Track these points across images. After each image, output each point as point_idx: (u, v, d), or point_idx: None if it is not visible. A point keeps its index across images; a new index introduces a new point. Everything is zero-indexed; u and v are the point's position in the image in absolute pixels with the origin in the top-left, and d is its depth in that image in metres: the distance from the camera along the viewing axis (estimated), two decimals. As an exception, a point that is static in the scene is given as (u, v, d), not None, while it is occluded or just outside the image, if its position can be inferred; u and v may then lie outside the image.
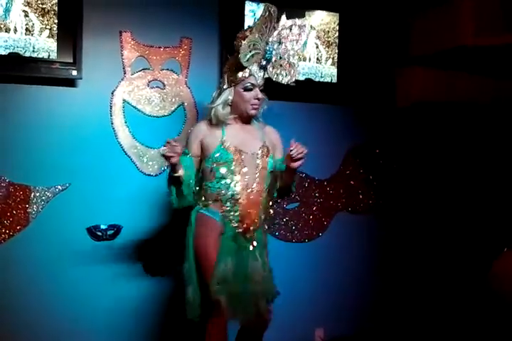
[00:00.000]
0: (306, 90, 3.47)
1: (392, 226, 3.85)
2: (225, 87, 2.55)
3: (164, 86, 3.14)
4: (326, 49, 3.48)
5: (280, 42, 2.57)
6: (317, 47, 3.45)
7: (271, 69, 2.56)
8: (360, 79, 3.66)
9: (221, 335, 2.50)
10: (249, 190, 2.49)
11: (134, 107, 3.07)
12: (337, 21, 3.48)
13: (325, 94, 3.55)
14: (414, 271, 3.83)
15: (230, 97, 2.53)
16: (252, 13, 3.22)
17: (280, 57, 2.57)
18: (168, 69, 3.14)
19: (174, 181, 2.43)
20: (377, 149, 3.81)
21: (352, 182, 3.76)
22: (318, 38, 3.45)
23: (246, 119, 2.61)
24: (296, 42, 2.61)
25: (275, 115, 3.43)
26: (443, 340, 3.38)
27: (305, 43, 3.40)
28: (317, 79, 3.47)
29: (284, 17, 3.26)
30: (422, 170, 3.88)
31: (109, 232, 3.00)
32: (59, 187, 2.91)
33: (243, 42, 2.42)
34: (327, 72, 3.50)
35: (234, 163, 2.48)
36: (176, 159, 2.33)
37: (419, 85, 3.80)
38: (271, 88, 3.18)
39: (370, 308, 3.76)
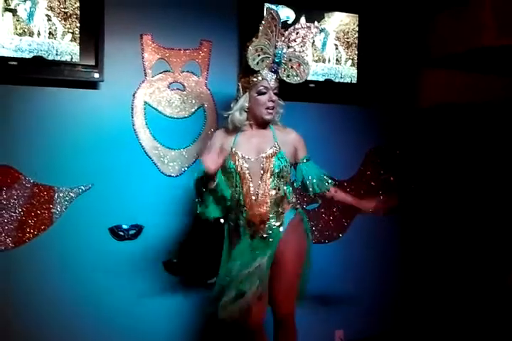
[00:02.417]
0: (326, 91, 3.48)
1: (413, 228, 3.83)
2: (240, 94, 2.59)
3: (184, 88, 3.17)
4: (346, 50, 3.48)
5: (289, 46, 2.61)
6: (336, 48, 3.45)
7: (282, 71, 2.59)
8: (380, 79, 3.66)
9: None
10: (253, 194, 2.54)
11: (155, 109, 3.10)
12: (356, 22, 3.48)
13: (345, 94, 3.56)
14: (436, 272, 3.81)
15: (246, 104, 2.57)
16: (272, 15, 3.24)
17: (290, 60, 2.60)
18: (188, 72, 3.17)
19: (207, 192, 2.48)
20: (397, 150, 3.80)
21: (372, 183, 3.75)
22: (338, 39, 3.45)
23: (262, 125, 2.63)
24: (304, 44, 2.64)
25: (295, 116, 3.44)
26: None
27: (324, 44, 3.42)
28: (337, 80, 3.48)
29: (303, 19, 3.30)
30: (443, 171, 3.86)
31: (131, 232, 3.04)
32: (82, 187, 2.95)
33: (250, 47, 2.47)
34: (347, 72, 3.50)
35: (237, 170, 2.54)
36: (217, 169, 2.38)
37: (441, 86, 3.78)
38: (291, 90, 3.22)
39: (390, 310, 3.74)
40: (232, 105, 2.63)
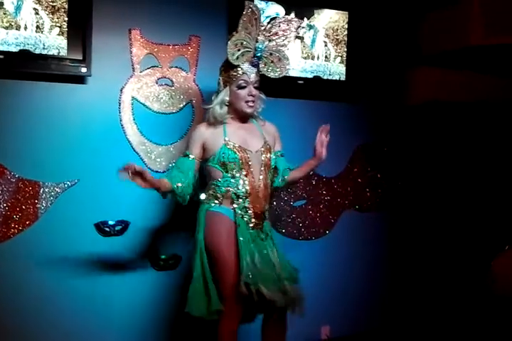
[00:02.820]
0: (315, 88, 3.48)
1: (399, 224, 3.86)
2: (220, 88, 2.60)
3: (173, 83, 3.15)
4: (335, 47, 3.49)
5: (270, 40, 2.61)
6: (326, 45, 3.46)
7: (262, 65, 2.60)
8: (369, 77, 3.67)
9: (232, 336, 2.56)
10: (255, 186, 2.55)
11: (143, 104, 3.09)
12: (346, 19, 3.49)
13: (333, 91, 3.57)
14: (421, 268, 3.83)
15: (227, 97, 2.59)
16: (261, 11, 3.22)
17: (271, 54, 2.61)
18: (176, 67, 3.16)
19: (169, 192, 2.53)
20: (385, 147, 3.81)
21: (360, 180, 3.76)
22: (327, 36, 3.45)
23: (244, 118, 2.66)
24: (286, 38, 2.65)
25: (284, 113, 3.46)
26: (449, 338, 3.38)
27: (313, 41, 3.42)
28: (325, 77, 3.48)
29: (292, 15, 3.29)
30: (431, 168, 3.88)
31: (117, 228, 3.02)
32: (68, 182, 2.93)
33: (229, 42, 2.48)
34: (335, 69, 3.51)
35: (240, 162, 2.53)
36: (146, 185, 2.40)
37: (430, 84, 3.79)
38: (280, 86, 3.22)
39: (376, 306, 3.77)
40: (212, 98, 2.65)
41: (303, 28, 3.36)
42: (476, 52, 3.48)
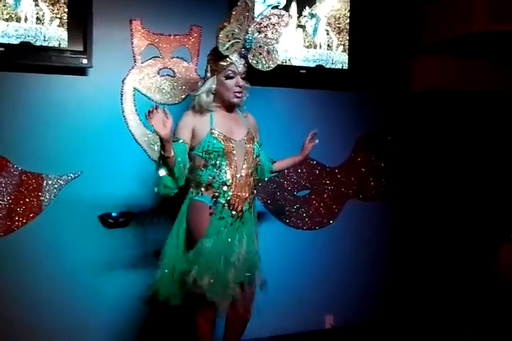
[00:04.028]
0: (317, 77, 3.46)
1: (403, 214, 3.85)
2: (208, 75, 2.60)
3: (174, 74, 3.14)
4: (337, 35, 3.46)
5: (260, 32, 2.61)
6: (328, 33, 3.43)
7: (251, 57, 2.60)
8: (372, 65, 3.64)
9: (208, 326, 2.59)
10: (238, 175, 2.56)
11: (145, 95, 3.08)
12: (348, 8, 3.46)
13: (336, 80, 3.55)
14: (425, 257, 3.83)
15: (214, 86, 2.58)
16: (263, 0, 3.21)
17: (260, 46, 2.61)
18: (178, 57, 3.14)
19: (165, 163, 2.41)
20: (388, 136, 3.80)
21: (363, 170, 3.75)
22: (329, 24, 3.42)
23: (230, 108, 2.66)
24: (276, 31, 2.65)
25: (287, 102, 3.45)
26: (453, 328, 3.38)
27: (315, 30, 3.39)
28: (328, 66, 3.46)
29: (294, 4, 3.27)
30: (434, 157, 3.86)
31: (121, 220, 3.03)
32: (71, 175, 2.94)
33: (220, 32, 2.47)
34: (338, 58, 3.48)
35: (224, 151, 2.53)
36: (167, 133, 2.30)
37: (433, 72, 3.77)
38: (282, 76, 3.20)
39: (380, 295, 3.77)
40: (199, 85, 2.65)
41: (305, 16, 3.34)
42: (478, 39, 3.45)
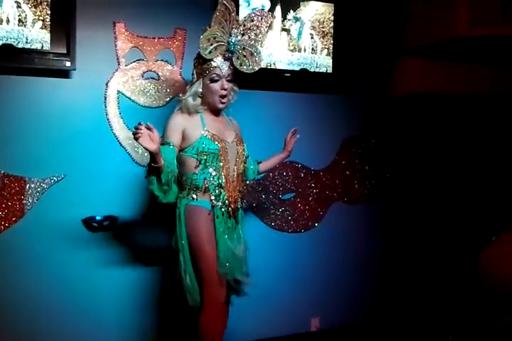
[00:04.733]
0: (302, 80, 3.47)
1: (388, 216, 3.87)
2: (194, 79, 2.61)
3: (159, 77, 3.13)
4: (321, 39, 3.47)
5: (244, 34, 2.63)
6: (312, 37, 3.44)
7: (235, 59, 2.60)
8: (356, 69, 3.66)
9: (216, 330, 2.59)
10: (230, 176, 2.58)
11: (129, 98, 3.06)
12: (332, 12, 3.48)
13: (320, 84, 3.56)
14: (410, 261, 3.85)
15: (200, 90, 2.59)
16: (247, 3, 3.21)
17: (244, 48, 2.61)
18: (162, 60, 3.13)
19: (154, 172, 2.38)
20: (372, 139, 3.82)
21: (348, 172, 3.77)
22: (313, 28, 3.44)
23: (216, 111, 2.67)
24: (259, 32, 2.66)
25: (271, 106, 3.45)
26: (441, 329, 3.40)
27: (300, 33, 3.40)
28: (312, 70, 3.47)
29: (278, 7, 3.28)
30: (418, 160, 3.89)
31: (105, 223, 3.00)
32: (54, 178, 2.91)
33: (201, 37, 2.50)
34: (322, 62, 3.50)
35: (220, 152, 2.54)
36: (157, 148, 2.27)
37: (414, 76, 3.79)
38: (267, 79, 3.21)
39: (366, 298, 3.78)
40: (187, 88, 2.65)
41: (289, 20, 3.36)
42: (462, 43, 3.48)
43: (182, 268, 2.56)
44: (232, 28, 2.58)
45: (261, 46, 2.72)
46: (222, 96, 2.59)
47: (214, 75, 2.56)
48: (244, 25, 2.63)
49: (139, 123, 2.22)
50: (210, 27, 2.53)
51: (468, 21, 3.34)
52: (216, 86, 2.57)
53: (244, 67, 2.63)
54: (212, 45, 2.52)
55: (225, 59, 2.58)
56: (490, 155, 3.83)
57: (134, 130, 2.22)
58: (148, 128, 2.23)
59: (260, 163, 2.92)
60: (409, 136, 3.87)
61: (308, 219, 3.63)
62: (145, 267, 3.11)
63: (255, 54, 2.64)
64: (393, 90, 3.81)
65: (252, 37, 2.64)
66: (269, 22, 2.69)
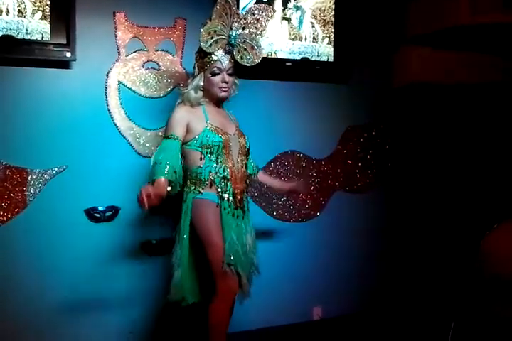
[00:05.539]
0: (303, 69, 3.46)
1: (389, 205, 3.87)
2: (195, 72, 2.64)
3: (159, 67, 3.12)
4: (322, 28, 3.45)
5: (244, 27, 2.64)
6: (313, 26, 3.42)
7: (236, 53, 2.61)
8: (357, 58, 3.64)
9: (225, 319, 2.61)
10: (235, 168, 2.60)
11: (129, 89, 3.05)
12: (333, 0, 3.45)
13: (322, 73, 3.54)
14: (412, 249, 3.86)
15: (201, 83, 2.61)
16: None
17: (244, 41, 2.62)
18: (163, 50, 3.12)
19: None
20: (374, 128, 3.81)
21: (349, 162, 3.76)
22: (314, 17, 3.42)
23: (218, 103, 2.70)
24: (260, 26, 2.67)
25: (273, 95, 3.44)
26: (442, 318, 3.41)
27: (301, 22, 3.39)
28: (313, 58, 3.45)
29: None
30: (419, 149, 3.88)
31: (107, 214, 3.01)
32: (56, 169, 2.91)
33: (202, 30, 2.51)
34: (323, 51, 3.48)
35: (224, 145, 2.56)
36: (162, 198, 2.34)
37: (416, 65, 3.77)
38: (268, 68, 3.19)
39: (368, 287, 3.79)
40: (188, 82, 2.67)
41: (290, 8, 3.34)
42: (464, 32, 3.45)
43: (176, 260, 2.58)
44: (233, 21, 2.59)
45: (261, 37, 2.71)
46: (223, 88, 2.61)
47: (215, 69, 2.58)
48: (245, 19, 2.64)
49: (137, 195, 2.26)
50: (210, 20, 2.53)
51: (470, 9, 3.31)
52: (217, 79, 2.59)
53: (245, 61, 2.64)
54: (212, 38, 2.53)
55: (226, 52, 2.59)
56: (492, 143, 3.82)
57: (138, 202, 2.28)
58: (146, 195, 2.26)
59: (260, 169, 2.98)
60: (411, 125, 3.86)
61: (310, 209, 3.63)
62: (147, 258, 3.12)
63: (256, 47, 2.65)
64: (395, 79, 3.79)
65: (253, 30, 2.65)
66: (270, 16, 2.70)
